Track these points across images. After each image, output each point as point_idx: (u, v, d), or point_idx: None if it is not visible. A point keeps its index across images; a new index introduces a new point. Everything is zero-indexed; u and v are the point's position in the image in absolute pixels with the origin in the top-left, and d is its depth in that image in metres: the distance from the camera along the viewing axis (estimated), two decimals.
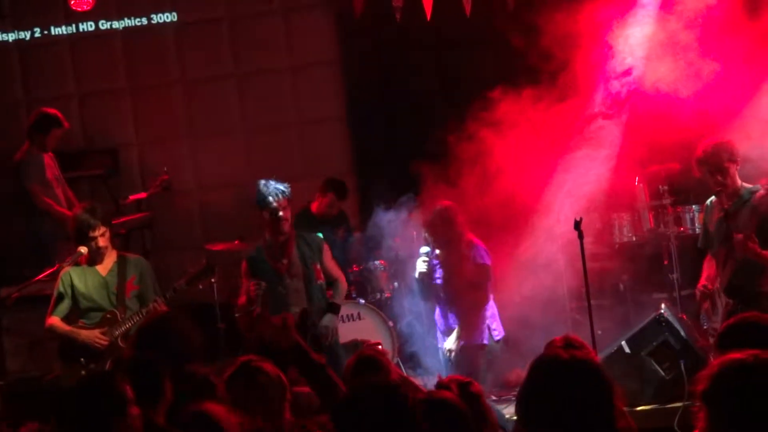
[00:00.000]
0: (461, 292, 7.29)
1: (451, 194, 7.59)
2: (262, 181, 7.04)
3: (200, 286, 7.13)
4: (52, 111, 8.73)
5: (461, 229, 7.31)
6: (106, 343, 6.65)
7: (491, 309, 7.40)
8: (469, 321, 7.24)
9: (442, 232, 7.26)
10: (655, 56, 8.14)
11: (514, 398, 7.83)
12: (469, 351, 7.19)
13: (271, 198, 6.92)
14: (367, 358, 4.92)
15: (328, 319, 6.94)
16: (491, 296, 7.40)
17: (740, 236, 6.51)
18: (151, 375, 4.50)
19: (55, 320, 6.80)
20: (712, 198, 6.97)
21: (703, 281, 6.92)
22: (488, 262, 7.31)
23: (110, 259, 6.86)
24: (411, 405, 3.61)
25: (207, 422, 3.75)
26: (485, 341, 7.28)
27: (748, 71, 7.66)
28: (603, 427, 3.23)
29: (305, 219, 8.75)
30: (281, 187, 7.02)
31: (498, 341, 7.39)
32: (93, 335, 6.71)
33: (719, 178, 6.77)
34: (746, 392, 3.06)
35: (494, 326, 7.40)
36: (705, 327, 6.93)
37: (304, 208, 8.86)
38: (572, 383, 3.23)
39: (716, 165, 6.75)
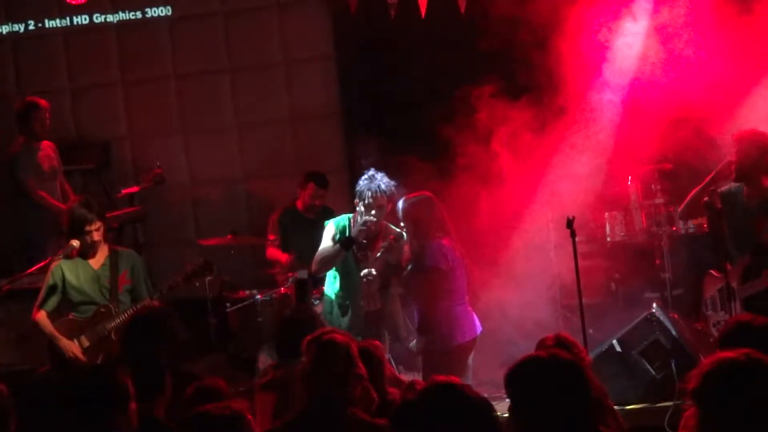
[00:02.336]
0: (409, 292, 7.10)
1: (444, 191, 7.51)
2: (370, 173, 6.91)
3: (196, 283, 7.14)
4: (28, 98, 8.76)
5: (427, 226, 6.94)
6: (82, 360, 6.63)
7: (452, 311, 6.94)
8: (424, 323, 6.99)
9: (412, 226, 6.95)
10: (647, 55, 8.17)
11: (505, 397, 7.90)
12: (427, 354, 6.94)
13: (370, 193, 6.83)
14: (362, 351, 4.83)
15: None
16: (454, 299, 6.94)
17: None
18: (152, 369, 4.54)
19: (42, 316, 6.78)
20: (728, 187, 6.86)
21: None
22: (440, 264, 6.84)
23: (102, 253, 6.85)
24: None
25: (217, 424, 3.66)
26: (443, 344, 6.89)
27: (742, 70, 7.68)
28: (582, 427, 3.28)
29: (290, 216, 8.76)
30: (383, 185, 6.89)
31: (462, 344, 6.95)
32: (72, 349, 6.69)
33: (746, 173, 6.68)
34: (738, 391, 3.07)
35: (455, 329, 6.95)
36: (707, 314, 6.92)
37: (289, 205, 8.84)
38: (549, 383, 3.30)
39: (751, 159, 6.65)
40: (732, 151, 6.78)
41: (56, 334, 6.71)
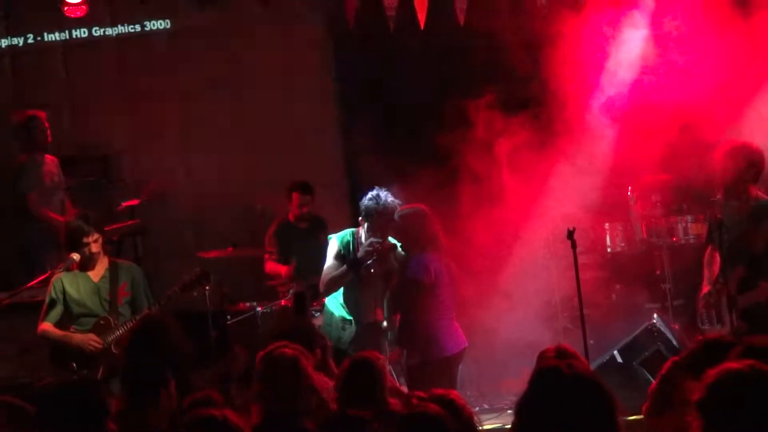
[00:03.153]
0: (397, 304, 7.10)
1: (443, 203, 7.56)
2: (375, 192, 6.91)
3: (194, 294, 7.14)
4: (19, 114, 8.75)
5: (414, 238, 7.02)
6: (99, 346, 6.66)
7: (433, 326, 6.99)
8: (404, 334, 7.05)
9: (401, 237, 7.02)
10: (647, 65, 8.23)
11: (507, 408, 7.87)
12: (408, 367, 6.98)
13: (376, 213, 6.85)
14: (363, 362, 4.86)
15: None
16: (436, 313, 7.00)
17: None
18: (154, 380, 4.54)
19: (47, 326, 6.81)
20: (720, 198, 6.83)
21: (707, 287, 6.84)
22: (421, 277, 6.93)
23: (102, 266, 6.89)
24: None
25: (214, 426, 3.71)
26: (422, 357, 6.96)
27: (742, 80, 7.71)
28: None
29: (284, 229, 8.79)
30: (389, 205, 6.88)
31: (442, 358, 6.96)
32: (87, 338, 6.71)
33: (734, 186, 6.67)
34: (743, 402, 3.04)
35: (434, 343, 6.99)
36: (703, 328, 6.88)
37: (282, 219, 8.88)
38: (577, 400, 3.20)
39: (735, 173, 6.64)
40: (721, 165, 6.72)
41: (68, 333, 6.75)
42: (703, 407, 3.08)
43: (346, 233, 7.10)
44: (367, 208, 6.86)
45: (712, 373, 3.12)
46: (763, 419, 3.01)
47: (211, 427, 3.58)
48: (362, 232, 6.99)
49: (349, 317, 7.03)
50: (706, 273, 6.92)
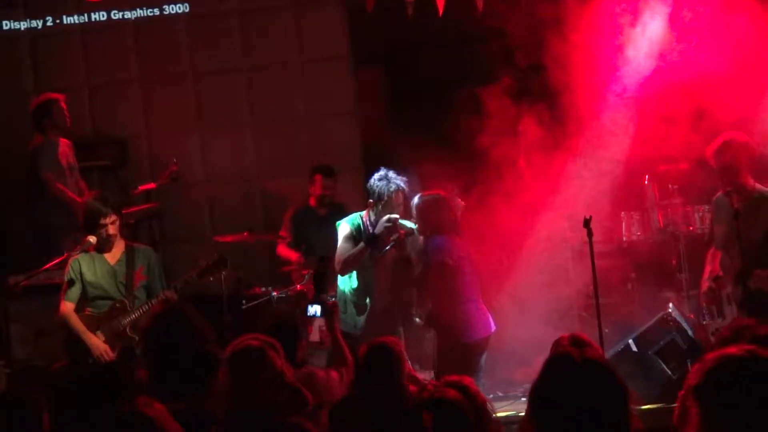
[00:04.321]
0: (420, 291, 7.17)
1: (462, 189, 7.68)
2: (383, 172, 6.99)
3: (210, 278, 7.18)
4: (42, 96, 8.81)
5: (434, 223, 7.07)
6: (111, 358, 6.69)
7: (461, 308, 7.04)
8: (435, 319, 7.07)
9: (421, 222, 7.09)
10: (664, 54, 8.18)
11: (521, 395, 7.88)
12: (438, 350, 7.03)
13: (389, 192, 6.93)
14: (382, 347, 4.90)
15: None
16: (462, 296, 7.05)
17: (765, 273, 6.58)
18: (178, 362, 4.62)
19: (69, 308, 6.85)
20: (720, 195, 6.98)
21: (707, 282, 6.94)
22: (444, 260, 6.96)
23: (119, 249, 6.95)
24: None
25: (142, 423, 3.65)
26: (454, 340, 6.99)
27: (760, 68, 7.71)
28: (618, 428, 3.19)
29: (303, 214, 8.84)
30: (401, 183, 6.98)
31: (472, 342, 7.02)
32: (102, 348, 6.77)
33: (729, 180, 6.79)
34: (740, 387, 3.01)
35: (464, 326, 7.03)
36: (705, 323, 6.98)
37: (302, 205, 8.92)
38: (588, 386, 3.20)
39: (726, 167, 6.76)
40: (720, 158, 6.82)
41: (86, 330, 6.79)
42: (700, 392, 3.05)
43: (355, 216, 7.14)
44: (379, 188, 6.91)
45: (709, 358, 3.10)
46: (760, 405, 2.99)
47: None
48: (371, 213, 7.03)
49: (361, 303, 7.08)
50: (707, 268, 6.99)
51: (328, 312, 6.12)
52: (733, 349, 3.09)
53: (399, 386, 4.83)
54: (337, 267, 7.08)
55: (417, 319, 7.07)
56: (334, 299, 7.15)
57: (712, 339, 6.90)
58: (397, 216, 6.90)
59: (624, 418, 3.21)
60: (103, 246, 6.89)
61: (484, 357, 7.09)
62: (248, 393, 4.25)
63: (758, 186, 6.83)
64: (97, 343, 6.77)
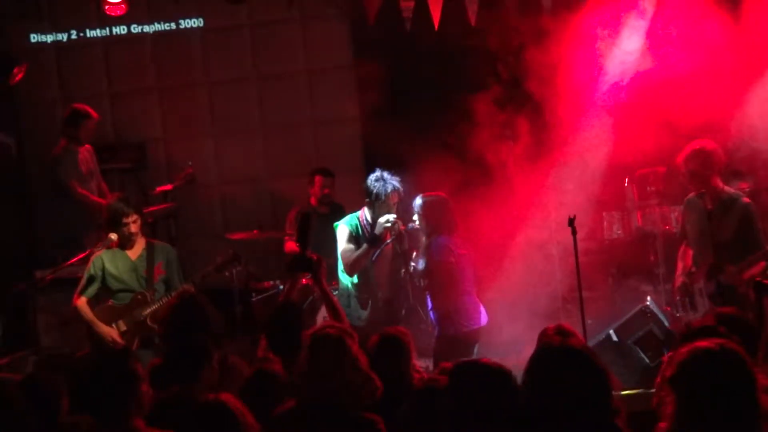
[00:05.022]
0: (425, 287, 7.22)
1: (456, 192, 7.68)
2: (378, 173, 7.02)
3: (225, 274, 7.35)
4: (80, 106, 8.86)
5: (435, 223, 7.08)
6: (120, 344, 6.75)
7: (460, 300, 7.08)
8: (438, 313, 7.13)
9: (424, 222, 7.10)
10: (644, 60, 8.28)
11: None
12: (438, 340, 7.08)
13: (386, 193, 6.99)
14: (392, 338, 4.98)
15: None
16: (461, 289, 7.10)
17: (733, 269, 6.66)
18: (193, 352, 4.76)
19: (82, 302, 6.96)
20: (691, 195, 7.04)
21: (680, 278, 7.02)
22: (445, 258, 7.01)
23: (140, 246, 7.03)
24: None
25: (222, 412, 3.76)
26: (454, 330, 7.05)
27: (736, 74, 7.78)
28: (601, 410, 3.36)
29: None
30: (397, 184, 7.03)
31: (470, 331, 7.07)
32: (111, 334, 6.87)
33: (699, 184, 6.88)
34: (710, 379, 3.13)
35: (464, 316, 7.10)
36: (678, 316, 7.07)
37: (304, 204, 8.90)
38: (571, 372, 3.35)
39: (696, 173, 6.84)
40: (689, 165, 6.86)
41: (95, 320, 6.90)
42: (674, 383, 3.18)
43: (352, 217, 7.19)
44: (377, 189, 6.97)
45: (682, 351, 3.22)
46: (729, 394, 3.10)
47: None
48: (367, 213, 7.11)
49: (364, 297, 7.16)
50: (679, 265, 7.07)
51: (314, 265, 5.81)
52: (705, 342, 3.21)
53: (406, 373, 4.92)
54: (346, 269, 7.11)
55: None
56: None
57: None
58: (395, 215, 6.97)
59: (605, 401, 3.37)
60: (126, 243, 6.96)
61: (476, 347, 7.17)
62: (327, 378, 4.21)
63: (727, 188, 6.92)
64: (107, 330, 6.85)
